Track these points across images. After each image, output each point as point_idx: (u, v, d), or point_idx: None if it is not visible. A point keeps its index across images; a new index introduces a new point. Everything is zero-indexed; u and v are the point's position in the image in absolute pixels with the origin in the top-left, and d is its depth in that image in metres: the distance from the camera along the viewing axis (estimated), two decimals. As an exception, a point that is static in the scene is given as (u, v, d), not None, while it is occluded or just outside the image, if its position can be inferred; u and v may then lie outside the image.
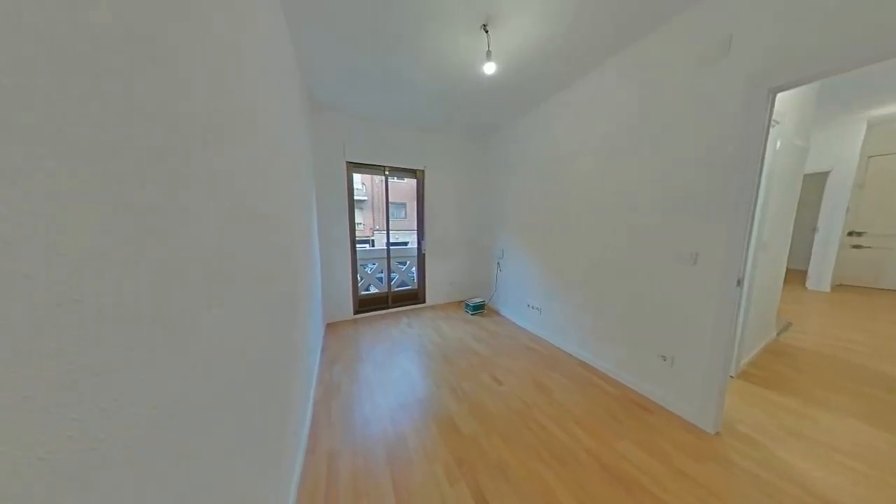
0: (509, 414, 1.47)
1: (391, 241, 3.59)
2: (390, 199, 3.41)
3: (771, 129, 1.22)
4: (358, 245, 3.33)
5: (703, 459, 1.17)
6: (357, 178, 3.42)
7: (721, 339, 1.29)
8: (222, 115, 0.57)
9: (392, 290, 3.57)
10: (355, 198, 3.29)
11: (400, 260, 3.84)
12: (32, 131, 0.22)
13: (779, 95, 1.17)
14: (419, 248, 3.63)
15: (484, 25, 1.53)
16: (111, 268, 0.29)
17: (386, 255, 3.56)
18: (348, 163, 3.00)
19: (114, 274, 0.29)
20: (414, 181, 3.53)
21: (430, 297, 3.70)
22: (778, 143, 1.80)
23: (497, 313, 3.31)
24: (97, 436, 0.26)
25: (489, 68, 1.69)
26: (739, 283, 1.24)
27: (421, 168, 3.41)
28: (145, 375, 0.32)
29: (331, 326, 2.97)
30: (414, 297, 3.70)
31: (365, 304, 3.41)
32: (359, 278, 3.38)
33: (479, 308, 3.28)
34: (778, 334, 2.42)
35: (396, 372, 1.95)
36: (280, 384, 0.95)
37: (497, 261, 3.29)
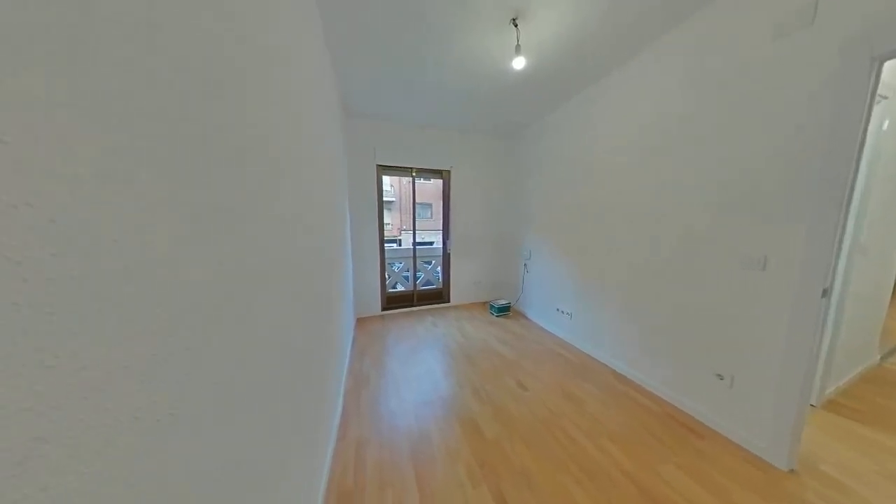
0: (534, 421, 1.42)
1: (417, 240, 3.68)
2: (417, 200, 3.51)
3: (875, 107, 1.01)
4: (386, 244, 3.48)
5: (771, 499, 1.01)
6: (386, 180, 3.59)
7: (798, 359, 1.09)
8: (271, 129, 0.63)
9: (418, 289, 3.66)
10: (384, 199, 3.44)
11: (425, 259, 3.91)
12: (134, 150, 0.27)
13: (887, 65, 0.95)
14: (444, 248, 3.66)
15: (513, 19, 1.50)
16: (186, 263, 0.34)
17: (412, 255, 3.66)
18: (378, 166, 3.14)
19: (187, 268, 0.34)
20: (440, 182, 3.57)
21: (455, 296, 3.71)
22: (885, 124, 1.47)
23: (523, 316, 3.19)
24: (177, 401, 0.31)
25: (518, 63, 1.64)
26: (826, 293, 1.03)
27: (447, 168, 3.44)
28: (209, 356, 0.38)
29: (361, 321, 3.12)
30: (438, 296, 3.74)
31: (392, 302, 3.52)
32: (386, 276, 3.51)
33: (504, 310, 3.20)
34: (882, 358, 1.97)
35: (421, 368, 2.00)
36: (315, 371, 1.00)
37: (524, 262, 3.18)
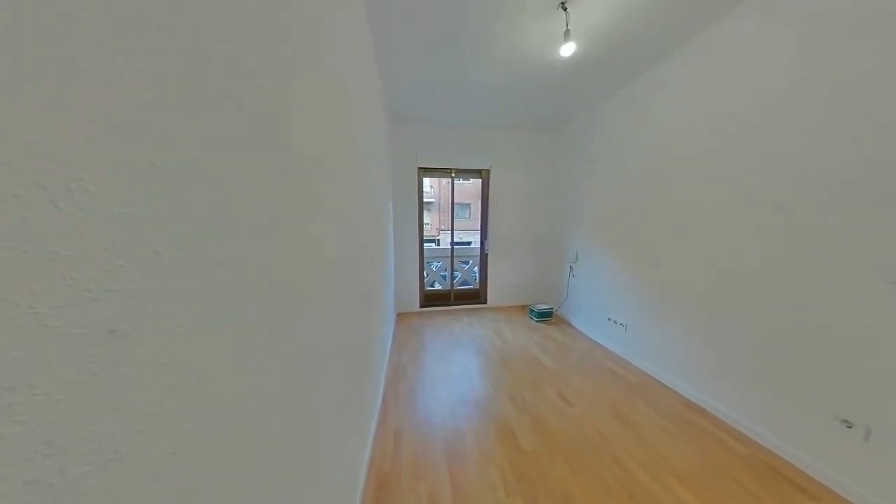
0: (580, 441, 1.29)
1: (455, 240, 3.72)
2: (455, 200, 3.56)
3: None
4: (425, 244, 3.60)
5: None
6: (426, 181, 3.71)
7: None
8: (328, 142, 0.72)
9: (454, 288, 3.69)
10: (424, 200, 3.58)
11: (463, 259, 3.92)
12: (236, 169, 0.34)
13: None
14: (482, 248, 3.61)
15: (562, 3, 1.37)
16: (263, 254, 0.41)
17: (450, 254, 3.71)
18: (419, 168, 3.25)
19: (258, 263, 0.40)
20: (479, 181, 3.54)
21: (492, 298, 3.61)
22: None
23: (567, 323, 2.94)
24: (262, 375, 0.39)
25: (567, 49, 1.52)
26: None
27: (486, 167, 3.38)
28: (278, 339, 0.45)
29: (400, 316, 3.25)
30: (475, 296, 3.71)
31: (430, 300, 3.59)
32: (425, 275, 3.59)
33: (545, 315, 3.00)
34: None
35: (456, 367, 2.01)
36: (361, 357, 1.08)
37: (570, 265, 2.92)
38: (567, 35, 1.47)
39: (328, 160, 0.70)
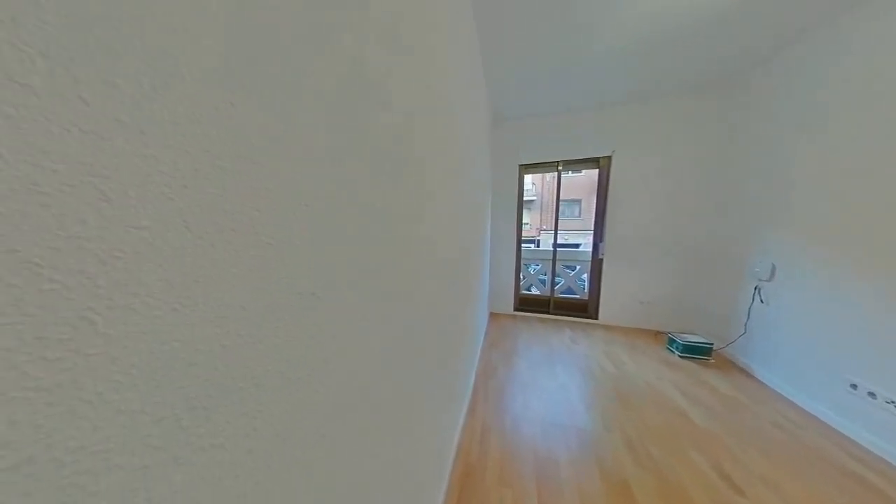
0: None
1: (559, 241, 3.30)
2: (562, 197, 3.16)
3: None
4: (523, 245, 3.37)
5: None
6: (528, 178, 3.54)
7: None
8: (436, 148, 0.81)
9: (555, 296, 3.25)
10: (524, 198, 3.39)
11: (568, 264, 3.37)
12: (361, 178, 0.44)
13: None
14: (595, 252, 2.97)
15: None
16: (369, 254, 0.49)
17: (551, 257, 3.32)
18: (520, 165, 2.92)
19: (374, 259, 0.49)
20: (594, 171, 2.92)
21: (606, 313, 2.82)
22: None
23: (744, 371, 1.91)
24: (389, 338, 0.50)
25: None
26: None
27: (606, 155, 2.74)
28: (385, 324, 0.53)
29: (493, 316, 3.07)
30: (582, 308, 3.12)
31: (525, 303, 3.20)
32: (521, 277, 3.20)
33: (699, 352, 2.07)
34: None
35: (553, 383, 1.71)
36: (456, 342, 1.12)
37: (756, 284, 1.89)
38: None
39: (438, 166, 0.80)
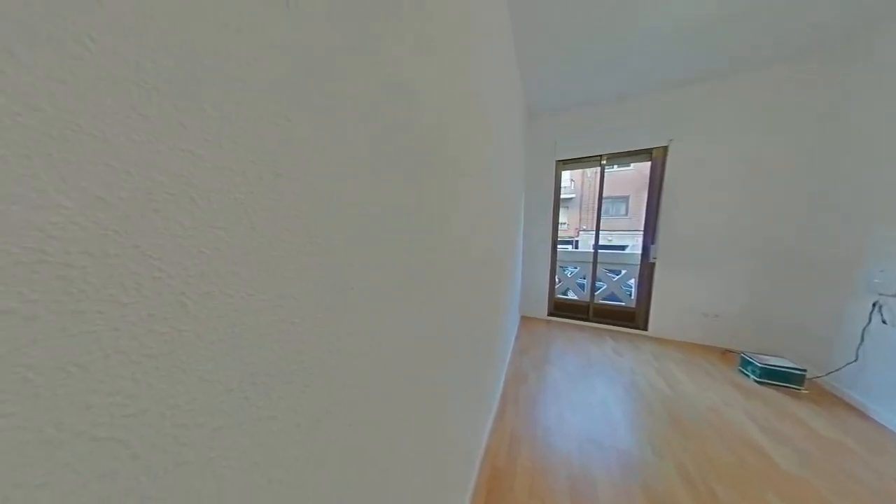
0: None
1: (601, 243, 3.03)
2: (605, 194, 2.90)
3: None
4: (559, 246, 3.17)
5: None
6: (566, 175, 3.30)
7: None
8: (467, 149, 0.81)
9: (595, 302, 2.99)
10: (562, 196, 3.18)
11: (611, 268, 3.07)
12: (398, 179, 0.46)
13: None
14: (645, 255, 2.64)
15: None
16: (406, 252, 0.52)
17: (591, 260, 3.05)
18: (558, 161, 2.74)
19: (408, 257, 0.53)
20: (646, 164, 2.60)
21: (658, 325, 2.49)
22: None
23: (853, 409, 1.50)
24: (422, 332, 0.52)
25: None
26: None
27: (661, 145, 2.41)
28: (417, 320, 0.53)
29: (525, 320, 2.94)
30: (628, 317, 2.80)
31: (560, 308, 3.01)
32: (557, 280, 3.03)
33: (786, 378, 1.67)
34: None
35: (591, 397, 1.58)
36: (485, 343, 1.11)
37: (876, 300, 1.47)
38: None
39: (470, 167, 0.80)
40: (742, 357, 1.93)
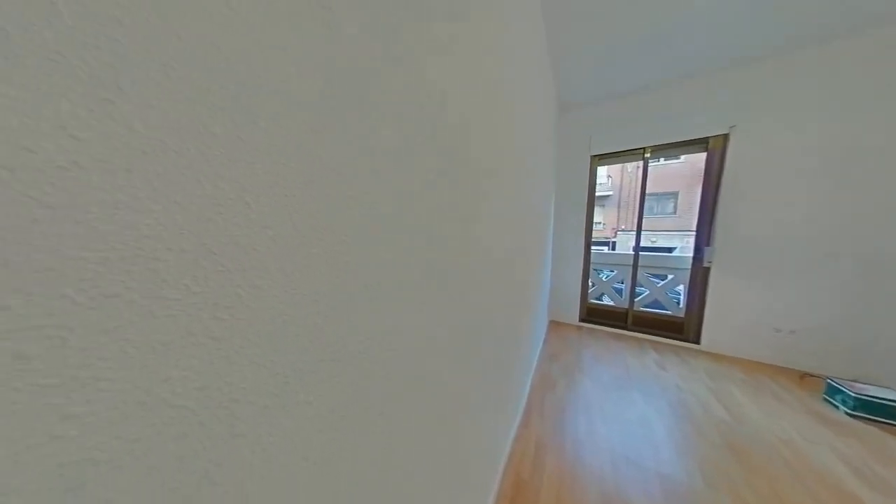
0: None
1: (642, 244, 2.76)
2: (649, 190, 2.65)
3: None
4: (593, 247, 2.98)
5: None
6: (601, 170, 3.10)
7: None
8: (492, 147, 0.80)
9: (635, 309, 2.72)
10: (597, 193, 2.96)
11: (656, 272, 2.79)
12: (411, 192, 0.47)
13: None
14: (697, 258, 2.33)
15: None
16: (433, 249, 0.54)
17: (631, 262, 2.79)
18: (593, 156, 2.57)
19: (436, 255, 0.54)
20: (700, 156, 2.32)
21: (713, 338, 2.18)
22: None
23: None
24: (450, 325, 0.54)
25: None
26: None
27: (720, 133, 2.12)
28: (441, 317, 0.56)
29: (554, 324, 2.82)
30: (675, 328, 2.50)
31: (594, 314, 2.80)
32: (590, 284, 2.85)
33: (891, 414, 1.37)
34: None
35: (629, 412, 1.46)
36: (511, 345, 1.09)
37: None
38: None
39: (495, 166, 0.79)
40: (829, 383, 1.61)
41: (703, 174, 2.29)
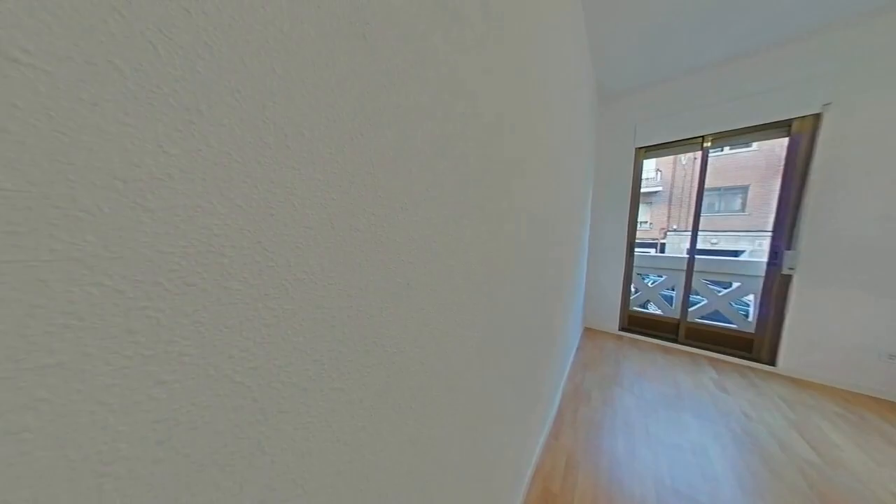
0: None
1: (698, 246, 2.42)
2: (707, 185, 2.33)
3: None
4: (638, 249, 2.70)
5: None
6: (648, 164, 2.78)
7: None
8: (526, 145, 0.77)
9: (689, 320, 2.40)
10: (643, 189, 2.67)
11: (719, 279, 2.42)
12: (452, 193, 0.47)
13: None
14: (774, 263, 1.96)
15: None
16: (458, 252, 0.54)
17: (684, 267, 2.45)
18: (638, 149, 2.34)
19: (463, 253, 0.54)
20: (778, 142, 1.95)
21: (793, 359, 1.82)
22: None
23: None
24: (479, 323, 0.54)
25: None
26: None
27: (810, 112, 1.75)
28: (472, 318, 0.56)
29: (589, 332, 2.65)
30: (743, 345, 2.14)
31: (637, 324, 2.56)
32: (632, 290, 2.63)
33: None
34: None
35: (680, 437, 1.31)
36: (542, 351, 1.08)
37: None
38: None
39: (528, 164, 0.76)
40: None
41: (782, 164, 1.94)
